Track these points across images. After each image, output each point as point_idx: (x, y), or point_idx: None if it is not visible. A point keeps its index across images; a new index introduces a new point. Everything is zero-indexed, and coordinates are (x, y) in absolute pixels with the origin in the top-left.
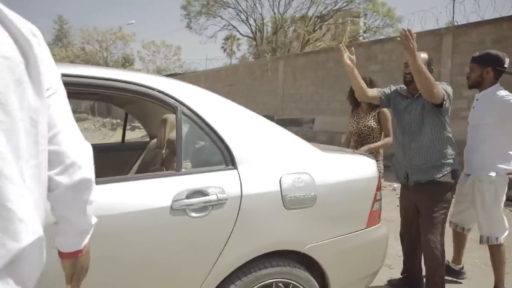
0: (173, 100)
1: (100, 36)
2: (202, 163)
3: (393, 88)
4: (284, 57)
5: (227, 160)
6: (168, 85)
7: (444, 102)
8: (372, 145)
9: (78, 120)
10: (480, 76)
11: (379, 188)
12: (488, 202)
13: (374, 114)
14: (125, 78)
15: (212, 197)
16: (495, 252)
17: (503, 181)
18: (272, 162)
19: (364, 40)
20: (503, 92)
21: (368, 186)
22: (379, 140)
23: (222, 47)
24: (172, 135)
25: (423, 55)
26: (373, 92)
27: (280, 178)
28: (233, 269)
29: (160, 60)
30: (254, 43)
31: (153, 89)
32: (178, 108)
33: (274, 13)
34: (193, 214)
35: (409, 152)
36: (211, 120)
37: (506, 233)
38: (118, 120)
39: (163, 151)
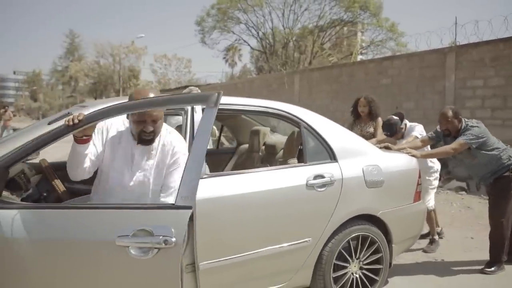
0: (297, 118)
1: (113, 50)
2: (317, 158)
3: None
4: (300, 71)
5: (331, 156)
6: (292, 108)
7: (471, 146)
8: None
9: None
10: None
11: (420, 175)
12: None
13: (372, 122)
14: (270, 105)
15: (327, 179)
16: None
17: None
18: (357, 158)
19: (375, 57)
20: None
21: (413, 174)
22: None
23: (224, 57)
24: (270, 141)
25: (450, 113)
26: (425, 139)
27: (362, 168)
28: (339, 225)
29: (172, 72)
30: (263, 56)
31: (285, 111)
32: (301, 124)
33: (284, 28)
34: (319, 189)
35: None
36: (320, 130)
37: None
38: None
39: (260, 153)
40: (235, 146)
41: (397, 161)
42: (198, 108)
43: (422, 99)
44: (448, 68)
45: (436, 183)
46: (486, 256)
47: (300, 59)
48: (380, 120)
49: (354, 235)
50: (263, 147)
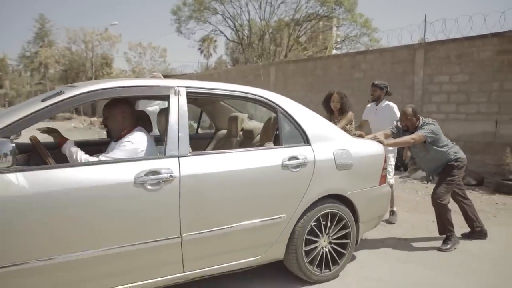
0: (274, 104)
1: (86, 37)
2: (292, 142)
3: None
4: (275, 64)
5: (305, 140)
6: (270, 95)
7: (427, 140)
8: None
9: (63, 119)
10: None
11: (385, 160)
12: None
13: (341, 117)
14: (249, 91)
15: (301, 161)
16: None
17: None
18: (328, 142)
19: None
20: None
21: (380, 159)
22: None
23: (199, 48)
24: (248, 127)
25: (409, 111)
26: (387, 133)
27: (333, 151)
28: (311, 203)
29: (146, 61)
30: (239, 47)
31: (263, 97)
32: (278, 109)
33: (260, 20)
34: (293, 170)
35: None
36: (295, 115)
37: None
38: None
39: (237, 138)
40: (213, 132)
41: (365, 147)
42: (183, 92)
43: (393, 93)
44: (417, 64)
45: (393, 160)
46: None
47: (276, 52)
48: (350, 114)
49: (324, 212)
50: (241, 133)
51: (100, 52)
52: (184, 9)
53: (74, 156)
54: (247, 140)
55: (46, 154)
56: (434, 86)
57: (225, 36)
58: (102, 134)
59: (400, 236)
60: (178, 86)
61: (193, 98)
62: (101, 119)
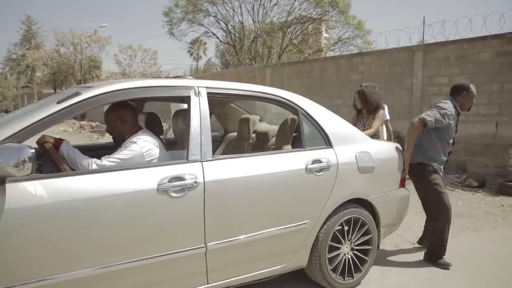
0: (295, 105)
1: (75, 39)
2: (314, 144)
3: None
4: (271, 66)
5: (327, 142)
6: (290, 95)
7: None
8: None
9: None
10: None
11: (404, 163)
12: None
13: (372, 116)
14: (270, 92)
15: (324, 164)
16: None
17: None
18: (350, 144)
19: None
20: None
21: (399, 161)
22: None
23: (189, 51)
24: (261, 129)
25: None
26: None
27: (355, 154)
28: (334, 208)
29: (137, 64)
30: (232, 50)
31: (284, 98)
32: (299, 111)
33: (254, 21)
34: (317, 174)
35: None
36: (316, 117)
37: None
38: (97, 123)
39: (250, 141)
40: (222, 135)
41: (385, 149)
42: (203, 92)
43: (391, 95)
44: (416, 66)
45: None
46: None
47: (269, 54)
48: (381, 113)
49: (347, 217)
50: (254, 135)
51: (90, 54)
52: (176, 11)
53: (77, 159)
54: (261, 143)
55: (61, 160)
56: (433, 88)
57: (217, 38)
58: (94, 138)
59: (412, 239)
60: (198, 87)
61: (213, 98)
62: (91, 123)
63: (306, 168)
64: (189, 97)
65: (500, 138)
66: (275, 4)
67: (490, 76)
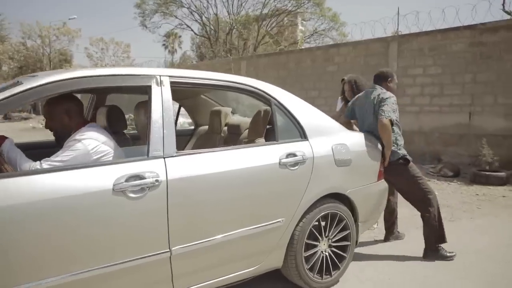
0: (267, 95)
1: (43, 31)
2: (288, 137)
3: None
4: (247, 58)
5: (301, 135)
6: (263, 85)
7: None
8: None
9: (20, 119)
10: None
11: (382, 155)
12: None
13: None
14: (241, 81)
15: (299, 158)
16: None
17: None
18: (326, 136)
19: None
20: None
21: (377, 153)
22: None
23: (163, 44)
24: (233, 121)
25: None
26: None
27: (332, 146)
28: (311, 204)
29: (109, 57)
30: (207, 42)
31: (256, 87)
32: (272, 101)
33: (228, 13)
34: (291, 168)
35: None
36: (290, 107)
37: None
38: None
39: (221, 135)
40: (192, 128)
41: (362, 140)
42: (166, 81)
43: (366, 86)
44: (391, 57)
45: None
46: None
47: (244, 46)
48: None
49: (324, 213)
50: (225, 128)
51: (59, 47)
52: (149, 2)
53: (18, 161)
54: (233, 136)
55: (2, 160)
56: (408, 79)
57: (192, 30)
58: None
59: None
60: (160, 75)
61: (177, 88)
62: None
63: (279, 163)
64: (150, 87)
65: (473, 128)
66: None
67: (463, 67)
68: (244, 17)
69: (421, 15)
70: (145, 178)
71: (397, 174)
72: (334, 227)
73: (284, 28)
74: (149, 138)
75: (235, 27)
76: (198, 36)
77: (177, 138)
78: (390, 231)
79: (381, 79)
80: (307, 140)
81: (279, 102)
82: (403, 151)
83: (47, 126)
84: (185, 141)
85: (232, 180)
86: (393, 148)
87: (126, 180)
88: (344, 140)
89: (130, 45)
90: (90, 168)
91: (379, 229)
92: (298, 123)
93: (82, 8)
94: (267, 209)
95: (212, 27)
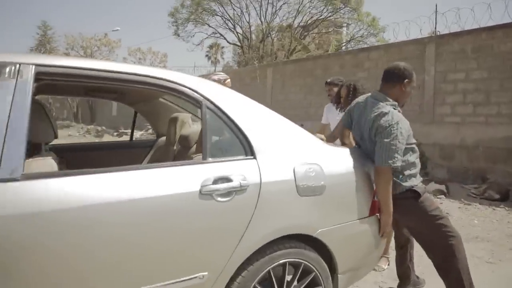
0: (196, 93)
1: (85, 42)
2: (225, 153)
3: None
4: (273, 64)
5: (247, 150)
6: (191, 80)
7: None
8: None
9: (61, 127)
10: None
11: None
12: None
13: None
14: (157, 74)
15: (235, 184)
16: None
17: None
18: (286, 153)
19: (351, 48)
20: None
21: (370, 178)
22: None
23: (207, 55)
24: (185, 131)
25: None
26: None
27: (294, 167)
28: (254, 250)
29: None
30: (240, 51)
31: (182, 85)
32: (203, 103)
33: (261, 22)
34: (220, 199)
35: None
36: (230, 111)
37: None
38: (103, 127)
39: (174, 147)
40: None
41: (346, 158)
42: (27, 72)
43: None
44: (428, 60)
45: None
46: None
47: (277, 54)
48: None
49: (277, 263)
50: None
51: (100, 58)
52: (182, 11)
53: None
54: (184, 150)
55: None
56: (447, 85)
57: (225, 38)
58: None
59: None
60: (20, 63)
61: (49, 83)
62: (97, 127)
63: (200, 191)
64: None
65: None
66: (284, 3)
67: None
68: (279, 24)
69: (462, 12)
70: None
71: (404, 212)
72: (298, 282)
73: (324, 37)
74: None
75: (269, 34)
76: (230, 44)
77: (134, 150)
78: (406, 278)
79: (394, 78)
80: (255, 158)
81: (214, 105)
82: (411, 182)
83: None
84: (144, 153)
85: (121, 216)
86: (395, 179)
87: None
88: (317, 158)
89: (167, 54)
90: None
91: (390, 270)
92: (242, 133)
93: (122, 19)
94: (178, 260)
95: (245, 35)
